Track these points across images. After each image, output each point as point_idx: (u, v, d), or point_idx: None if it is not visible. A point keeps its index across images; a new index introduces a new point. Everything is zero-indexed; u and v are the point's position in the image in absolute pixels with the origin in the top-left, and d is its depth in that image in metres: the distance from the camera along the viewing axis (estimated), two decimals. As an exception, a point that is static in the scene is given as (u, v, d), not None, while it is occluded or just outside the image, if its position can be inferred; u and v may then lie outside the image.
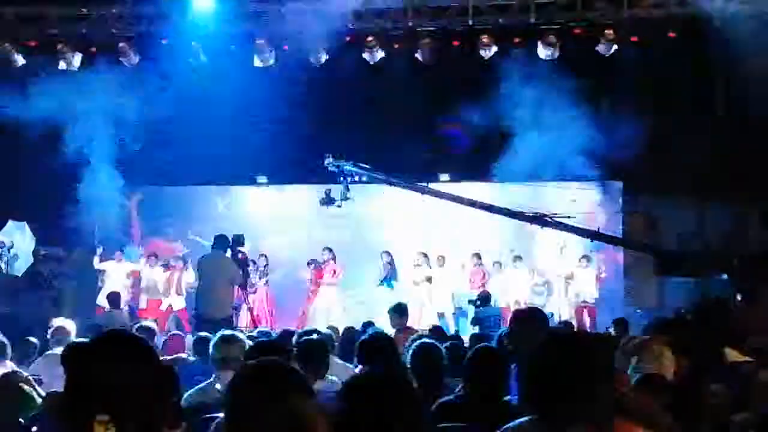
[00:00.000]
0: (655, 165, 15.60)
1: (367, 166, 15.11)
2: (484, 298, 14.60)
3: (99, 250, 16.76)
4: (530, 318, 5.79)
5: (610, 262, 17.07)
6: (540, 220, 14.60)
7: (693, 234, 16.38)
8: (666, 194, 15.91)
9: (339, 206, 15.37)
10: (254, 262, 16.29)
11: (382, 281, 16.74)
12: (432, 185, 15.89)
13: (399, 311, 9.97)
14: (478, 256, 16.83)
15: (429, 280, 16.48)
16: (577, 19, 15.06)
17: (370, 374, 3.58)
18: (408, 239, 17.39)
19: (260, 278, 16.59)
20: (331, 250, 16.69)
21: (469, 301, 15.41)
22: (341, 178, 15.23)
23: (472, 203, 15.09)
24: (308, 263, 16.85)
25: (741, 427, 4.59)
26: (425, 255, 16.82)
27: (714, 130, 15.84)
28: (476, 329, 13.33)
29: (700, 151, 15.59)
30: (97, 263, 16.66)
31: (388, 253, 16.91)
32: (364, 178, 15.33)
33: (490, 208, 15.04)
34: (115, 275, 16.50)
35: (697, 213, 15.99)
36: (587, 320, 15.93)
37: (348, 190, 15.22)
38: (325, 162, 15.14)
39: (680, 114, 15.75)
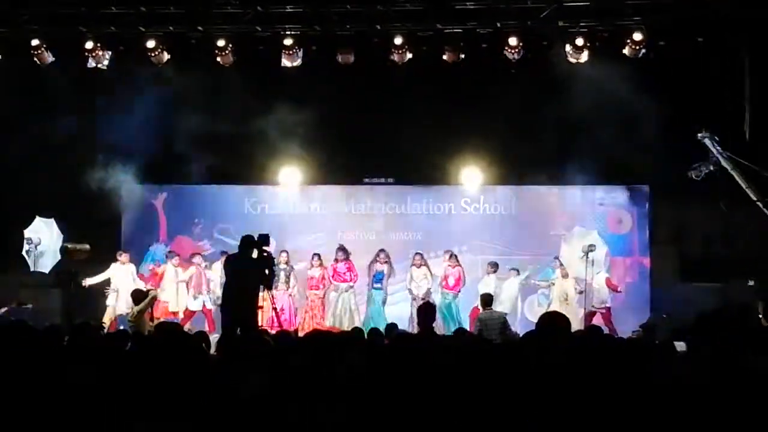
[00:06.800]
0: (681, 168, 15.51)
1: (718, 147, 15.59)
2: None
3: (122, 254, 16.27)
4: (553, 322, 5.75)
5: (636, 267, 16.95)
6: None
7: (719, 238, 16.29)
8: (692, 198, 15.78)
9: (702, 179, 15.67)
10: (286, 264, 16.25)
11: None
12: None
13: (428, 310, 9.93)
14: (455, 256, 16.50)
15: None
16: (606, 23, 14.99)
17: None
18: (431, 242, 17.36)
19: (285, 279, 16.32)
20: (344, 250, 16.54)
21: None
22: (712, 153, 15.63)
23: None
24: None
25: None
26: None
27: (742, 132, 15.71)
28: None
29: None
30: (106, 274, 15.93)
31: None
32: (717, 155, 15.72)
33: None
34: (118, 276, 15.86)
35: (723, 217, 15.84)
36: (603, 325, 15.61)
37: (713, 165, 15.66)
38: (699, 136, 15.55)
39: (706, 116, 15.61)
